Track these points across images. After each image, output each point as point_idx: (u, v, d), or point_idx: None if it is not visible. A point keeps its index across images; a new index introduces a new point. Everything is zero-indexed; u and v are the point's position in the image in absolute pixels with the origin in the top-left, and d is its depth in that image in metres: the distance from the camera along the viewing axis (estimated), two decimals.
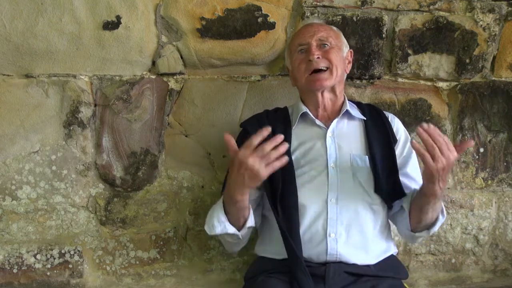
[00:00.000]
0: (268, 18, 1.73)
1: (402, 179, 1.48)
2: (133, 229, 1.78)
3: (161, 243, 1.80)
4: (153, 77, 1.77)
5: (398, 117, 1.69)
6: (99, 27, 1.67)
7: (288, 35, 1.77)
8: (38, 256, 1.75)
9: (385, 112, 1.64)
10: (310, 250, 1.41)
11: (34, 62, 1.68)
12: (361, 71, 1.82)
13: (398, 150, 1.54)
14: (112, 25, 1.67)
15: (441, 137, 1.25)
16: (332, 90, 1.54)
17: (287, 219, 1.40)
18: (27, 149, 1.71)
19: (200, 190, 1.81)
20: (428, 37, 1.82)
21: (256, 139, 1.25)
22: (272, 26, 1.74)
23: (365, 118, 1.56)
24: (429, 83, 1.89)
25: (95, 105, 1.74)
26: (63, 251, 1.76)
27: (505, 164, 1.92)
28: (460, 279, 1.95)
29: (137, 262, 1.80)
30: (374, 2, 1.79)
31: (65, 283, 1.76)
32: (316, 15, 1.76)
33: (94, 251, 1.78)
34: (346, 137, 1.53)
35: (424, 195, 1.37)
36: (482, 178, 1.91)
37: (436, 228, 1.45)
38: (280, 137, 1.26)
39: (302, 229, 1.42)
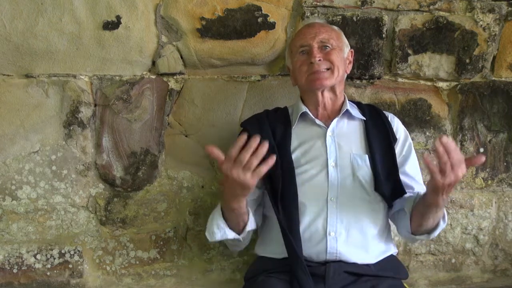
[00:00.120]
0: (268, 18, 1.73)
1: (401, 177, 1.49)
2: (133, 229, 1.78)
3: (161, 243, 1.80)
4: (153, 77, 1.77)
5: (398, 117, 1.69)
6: (99, 27, 1.67)
7: (288, 35, 1.77)
8: (38, 256, 1.75)
9: (384, 111, 1.64)
10: (310, 249, 1.41)
11: (34, 62, 1.68)
12: (361, 71, 1.82)
13: (397, 149, 1.54)
14: (112, 25, 1.67)
15: (456, 153, 1.24)
16: (332, 89, 1.54)
17: (287, 218, 1.41)
18: (27, 149, 1.71)
19: (200, 190, 1.81)
20: (428, 37, 1.82)
21: (234, 150, 1.23)
22: (272, 26, 1.74)
23: (365, 118, 1.56)
24: (429, 83, 1.89)
25: (95, 105, 1.74)
26: (63, 251, 1.76)
27: (505, 164, 1.92)
28: (460, 279, 1.95)
29: (137, 262, 1.80)
30: (374, 2, 1.79)
31: (65, 283, 1.76)
32: (316, 15, 1.76)
33: (94, 251, 1.78)
34: (346, 136, 1.53)
35: (427, 203, 1.37)
36: (482, 178, 1.91)
37: (436, 233, 1.46)
38: (255, 141, 1.23)
39: (302, 227, 1.42)
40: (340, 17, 1.78)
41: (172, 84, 1.78)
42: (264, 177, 1.33)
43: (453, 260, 1.94)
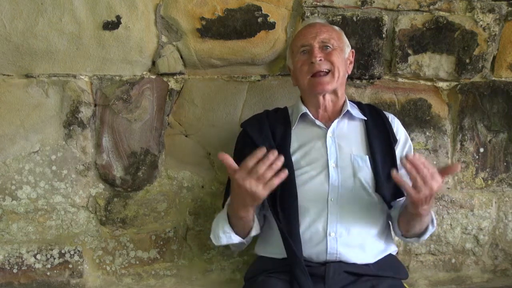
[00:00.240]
0: (268, 18, 1.73)
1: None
2: (133, 229, 1.78)
3: (161, 243, 1.80)
4: (153, 77, 1.77)
5: (398, 117, 1.69)
6: (99, 27, 1.67)
7: (288, 35, 1.77)
8: (38, 256, 1.75)
9: (385, 112, 1.64)
10: (310, 250, 1.41)
11: (34, 62, 1.68)
12: (361, 71, 1.82)
13: (398, 150, 1.54)
14: (112, 25, 1.67)
15: (426, 167, 1.25)
16: (334, 92, 1.54)
17: (286, 220, 1.41)
18: (27, 149, 1.71)
19: (200, 190, 1.81)
20: (428, 37, 1.82)
21: (251, 161, 1.24)
22: (272, 26, 1.74)
23: (365, 118, 1.56)
24: (429, 83, 1.89)
25: (95, 105, 1.74)
26: (63, 251, 1.76)
27: (505, 164, 1.92)
28: (460, 279, 1.95)
29: (137, 262, 1.80)
30: (374, 2, 1.79)
31: (65, 283, 1.76)
32: (316, 15, 1.76)
33: (94, 251, 1.78)
34: (346, 137, 1.53)
35: (409, 213, 1.38)
36: (482, 178, 1.91)
37: (425, 237, 1.48)
38: (273, 154, 1.24)
39: (302, 228, 1.42)
40: (340, 17, 1.78)
41: (172, 84, 1.78)
42: None
43: (453, 260, 1.94)
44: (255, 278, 1.46)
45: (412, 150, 1.59)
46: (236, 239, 1.42)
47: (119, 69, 1.73)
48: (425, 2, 1.81)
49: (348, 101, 1.58)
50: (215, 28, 1.71)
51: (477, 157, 1.90)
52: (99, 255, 1.78)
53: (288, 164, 1.45)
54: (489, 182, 1.91)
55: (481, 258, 1.96)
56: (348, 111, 1.55)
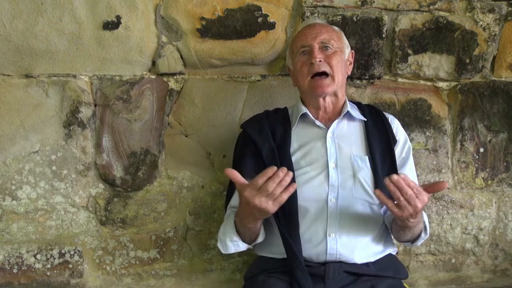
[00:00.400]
0: (268, 18, 1.73)
1: None
2: (133, 229, 1.78)
3: (161, 243, 1.80)
4: (153, 77, 1.77)
5: (398, 117, 1.69)
6: (99, 27, 1.67)
7: (288, 35, 1.77)
8: (38, 256, 1.75)
9: (384, 113, 1.64)
10: (310, 250, 1.41)
11: (34, 62, 1.68)
12: (361, 71, 1.82)
13: (397, 151, 1.54)
14: (112, 25, 1.67)
15: (410, 187, 1.24)
16: (334, 93, 1.54)
17: (286, 220, 1.41)
18: (27, 149, 1.71)
19: (200, 190, 1.81)
20: (428, 37, 1.82)
21: (261, 179, 1.24)
22: (272, 26, 1.74)
23: (365, 119, 1.56)
24: (429, 83, 1.89)
25: (95, 105, 1.74)
26: (63, 251, 1.76)
27: (505, 164, 1.92)
28: (460, 279, 1.95)
29: (137, 262, 1.80)
30: (374, 2, 1.79)
31: (65, 283, 1.76)
32: (316, 15, 1.76)
33: (94, 251, 1.78)
34: (346, 137, 1.53)
35: (398, 224, 1.39)
36: (482, 178, 1.91)
37: (418, 243, 1.50)
38: (282, 171, 1.24)
39: (302, 229, 1.42)
40: (340, 17, 1.78)
41: (172, 84, 1.78)
42: None
43: (453, 260, 1.94)
44: (255, 278, 1.46)
45: (411, 151, 1.59)
46: (243, 246, 1.43)
47: (119, 69, 1.73)
48: (425, 2, 1.81)
49: (348, 102, 1.58)
50: (215, 28, 1.71)
51: (477, 157, 1.91)
52: (99, 255, 1.78)
53: (288, 164, 1.45)
54: (489, 182, 1.91)
55: (481, 258, 1.96)
56: (348, 111, 1.55)
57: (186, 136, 1.80)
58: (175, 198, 1.80)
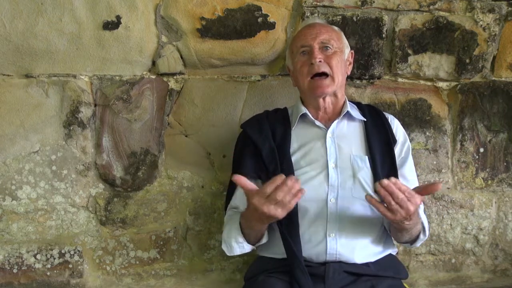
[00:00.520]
0: (268, 18, 1.73)
1: (400, 180, 1.48)
2: (133, 229, 1.78)
3: (161, 243, 1.80)
4: (153, 77, 1.77)
5: (398, 117, 1.69)
6: (99, 27, 1.67)
7: (288, 35, 1.77)
8: (38, 256, 1.75)
9: (384, 113, 1.64)
10: (309, 250, 1.41)
11: (34, 62, 1.68)
12: (361, 71, 1.82)
13: (396, 151, 1.54)
14: (112, 25, 1.67)
15: (402, 191, 1.24)
16: (334, 94, 1.54)
17: (286, 220, 1.40)
18: (27, 149, 1.71)
19: (200, 190, 1.81)
20: (428, 37, 1.82)
21: (269, 187, 1.24)
22: (272, 26, 1.74)
23: (365, 120, 1.56)
24: (429, 83, 1.89)
25: (95, 105, 1.74)
26: (63, 251, 1.76)
27: (505, 164, 1.92)
28: (460, 279, 1.95)
29: (137, 262, 1.80)
30: (374, 2, 1.79)
31: (65, 283, 1.76)
32: (316, 15, 1.76)
33: (94, 251, 1.78)
34: (346, 137, 1.53)
35: (395, 227, 1.39)
36: (482, 178, 1.91)
37: (417, 244, 1.50)
38: (291, 180, 1.23)
39: (302, 229, 1.42)
40: (340, 17, 1.78)
41: (172, 84, 1.78)
42: (264, 179, 1.34)
43: (453, 260, 1.94)
44: (255, 278, 1.46)
45: (411, 151, 1.59)
46: (248, 248, 1.43)
47: (119, 69, 1.73)
48: (425, 2, 1.81)
49: (348, 102, 1.58)
50: (215, 28, 1.71)
51: (477, 157, 1.91)
52: (99, 255, 1.78)
53: (287, 164, 1.45)
54: (489, 182, 1.91)
55: (481, 258, 1.96)
56: (348, 111, 1.55)
57: (186, 136, 1.80)
58: (175, 198, 1.80)
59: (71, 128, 1.73)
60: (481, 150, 1.91)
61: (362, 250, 1.44)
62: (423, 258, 1.93)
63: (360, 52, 1.79)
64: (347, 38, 1.66)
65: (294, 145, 1.52)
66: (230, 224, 1.46)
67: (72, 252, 1.76)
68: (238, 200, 1.51)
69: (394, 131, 1.57)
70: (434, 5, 1.81)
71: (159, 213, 1.79)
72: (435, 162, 1.88)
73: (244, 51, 1.75)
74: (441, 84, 1.89)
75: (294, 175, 1.44)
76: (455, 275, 1.95)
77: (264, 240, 1.45)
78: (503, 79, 1.90)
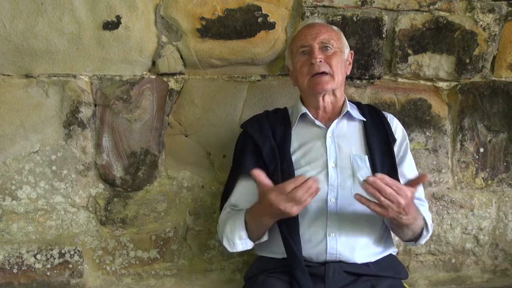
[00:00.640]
0: (268, 18, 1.73)
1: (399, 179, 1.49)
2: (133, 229, 1.78)
3: (161, 243, 1.80)
4: (153, 77, 1.77)
5: (398, 117, 1.69)
6: (99, 27, 1.67)
7: (288, 35, 1.77)
8: (38, 256, 1.75)
9: (383, 112, 1.64)
10: (309, 250, 1.41)
11: (34, 62, 1.68)
12: (361, 71, 1.82)
13: (395, 149, 1.54)
14: (112, 25, 1.67)
15: (389, 185, 1.25)
16: (333, 93, 1.54)
17: (286, 220, 1.40)
18: (27, 149, 1.71)
19: (200, 190, 1.81)
20: (428, 37, 1.82)
21: (289, 186, 1.26)
22: (272, 26, 1.74)
23: (365, 119, 1.56)
24: (429, 83, 1.89)
25: (95, 105, 1.74)
26: (63, 251, 1.76)
27: (505, 164, 1.92)
28: (460, 279, 1.95)
29: (137, 262, 1.80)
30: (374, 2, 1.79)
31: (65, 283, 1.76)
32: (316, 15, 1.76)
33: (94, 251, 1.78)
34: (346, 137, 1.53)
35: (394, 224, 1.39)
36: (482, 178, 1.91)
37: (422, 241, 1.48)
38: (312, 180, 1.26)
39: (302, 228, 1.42)
40: (340, 17, 1.78)
41: (172, 84, 1.78)
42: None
43: (453, 260, 1.94)
44: (255, 278, 1.46)
45: (409, 149, 1.59)
46: (250, 245, 1.42)
47: (119, 69, 1.73)
48: (425, 2, 1.81)
49: (347, 102, 1.58)
50: (215, 28, 1.71)
51: (477, 157, 1.91)
52: (99, 255, 1.78)
53: (288, 164, 1.45)
54: (489, 182, 1.91)
55: (481, 258, 1.96)
56: (347, 111, 1.55)
57: (186, 136, 1.80)
58: (175, 198, 1.80)
59: (71, 128, 1.73)
60: (481, 150, 1.91)
61: (362, 250, 1.44)
62: (423, 258, 1.93)
63: (360, 52, 1.79)
64: (347, 38, 1.66)
65: (294, 144, 1.52)
66: (232, 221, 1.44)
67: (72, 252, 1.76)
68: (238, 198, 1.51)
69: (393, 130, 1.58)
70: (434, 5, 1.81)
71: (159, 213, 1.79)
72: (435, 162, 1.88)
73: (244, 51, 1.75)
74: (441, 84, 1.89)
75: (294, 174, 1.44)
76: (455, 275, 1.95)
77: (265, 238, 1.45)
78: (503, 79, 1.90)
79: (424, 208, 1.50)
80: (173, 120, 1.79)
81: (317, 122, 1.54)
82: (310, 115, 1.55)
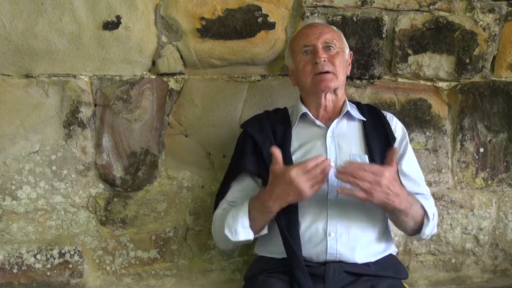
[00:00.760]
0: (268, 18, 1.73)
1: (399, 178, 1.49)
2: (133, 229, 1.78)
3: (161, 243, 1.80)
4: (153, 77, 1.77)
5: (398, 117, 1.69)
6: (99, 27, 1.67)
7: (288, 35, 1.77)
8: (38, 256, 1.75)
9: (383, 111, 1.64)
10: (310, 250, 1.41)
11: (34, 62, 1.68)
12: (361, 71, 1.82)
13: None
14: (112, 25, 1.67)
15: (362, 168, 1.29)
16: (335, 92, 1.55)
17: (286, 220, 1.41)
18: (27, 149, 1.71)
19: (200, 190, 1.81)
20: (428, 37, 1.82)
21: (312, 164, 1.31)
22: (272, 26, 1.74)
23: (365, 119, 1.57)
24: (429, 83, 1.89)
25: (95, 105, 1.74)
26: (63, 251, 1.76)
27: (505, 164, 1.92)
28: (460, 279, 1.95)
29: (137, 262, 1.80)
30: (374, 2, 1.79)
31: (65, 283, 1.76)
32: (316, 15, 1.76)
33: (94, 251, 1.78)
34: (346, 137, 1.53)
35: (389, 213, 1.40)
36: (482, 178, 1.91)
37: (426, 231, 1.45)
38: (327, 161, 1.32)
39: (302, 228, 1.42)
40: (340, 17, 1.78)
41: (172, 84, 1.78)
42: (265, 178, 1.34)
43: (453, 260, 1.94)
44: (255, 278, 1.46)
45: (409, 147, 1.59)
46: (251, 235, 1.41)
47: (119, 69, 1.73)
48: (425, 2, 1.81)
49: (347, 102, 1.58)
50: (215, 28, 1.71)
51: (477, 157, 1.91)
52: (99, 255, 1.78)
53: (288, 163, 1.45)
54: (489, 182, 1.92)
55: (481, 258, 1.96)
56: (348, 111, 1.55)
57: (186, 136, 1.80)
58: (175, 198, 1.80)
59: (71, 128, 1.73)
60: (481, 150, 1.91)
61: (363, 250, 1.43)
62: (423, 258, 1.93)
63: (360, 52, 1.79)
64: (347, 38, 1.66)
65: (294, 144, 1.52)
66: (236, 210, 1.43)
67: (72, 252, 1.76)
68: (237, 195, 1.51)
69: (393, 129, 1.58)
70: (434, 5, 1.81)
71: (159, 213, 1.79)
72: (435, 162, 1.88)
73: (244, 51, 1.75)
74: (441, 84, 1.90)
75: None
76: (455, 275, 1.95)
77: (265, 231, 1.44)
78: (503, 79, 1.90)
79: (427, 201, 1.49)
80: (173, 120, 1.79)
81: (317, 122, 1.55)
82: (310, 115, 1.55)
